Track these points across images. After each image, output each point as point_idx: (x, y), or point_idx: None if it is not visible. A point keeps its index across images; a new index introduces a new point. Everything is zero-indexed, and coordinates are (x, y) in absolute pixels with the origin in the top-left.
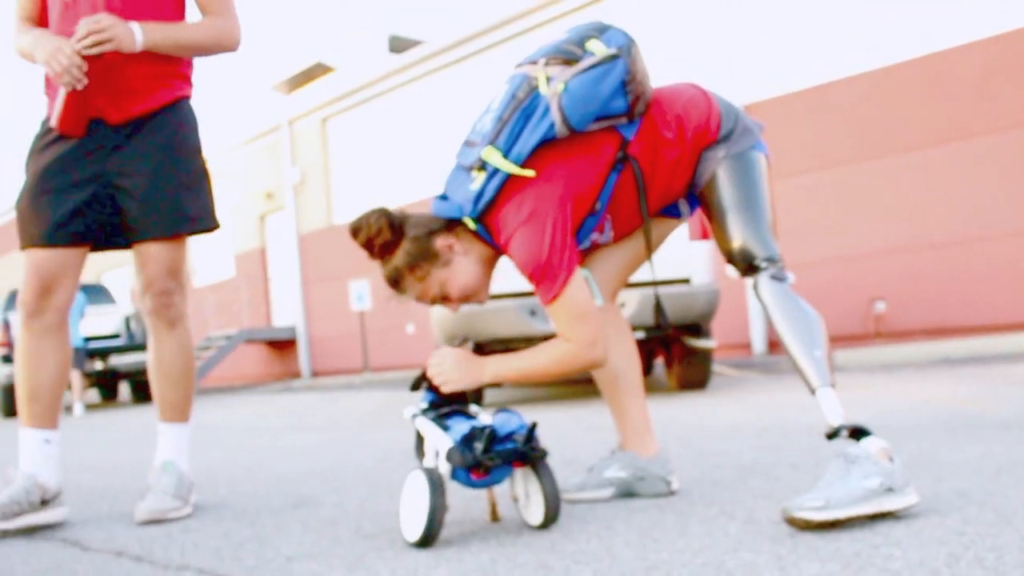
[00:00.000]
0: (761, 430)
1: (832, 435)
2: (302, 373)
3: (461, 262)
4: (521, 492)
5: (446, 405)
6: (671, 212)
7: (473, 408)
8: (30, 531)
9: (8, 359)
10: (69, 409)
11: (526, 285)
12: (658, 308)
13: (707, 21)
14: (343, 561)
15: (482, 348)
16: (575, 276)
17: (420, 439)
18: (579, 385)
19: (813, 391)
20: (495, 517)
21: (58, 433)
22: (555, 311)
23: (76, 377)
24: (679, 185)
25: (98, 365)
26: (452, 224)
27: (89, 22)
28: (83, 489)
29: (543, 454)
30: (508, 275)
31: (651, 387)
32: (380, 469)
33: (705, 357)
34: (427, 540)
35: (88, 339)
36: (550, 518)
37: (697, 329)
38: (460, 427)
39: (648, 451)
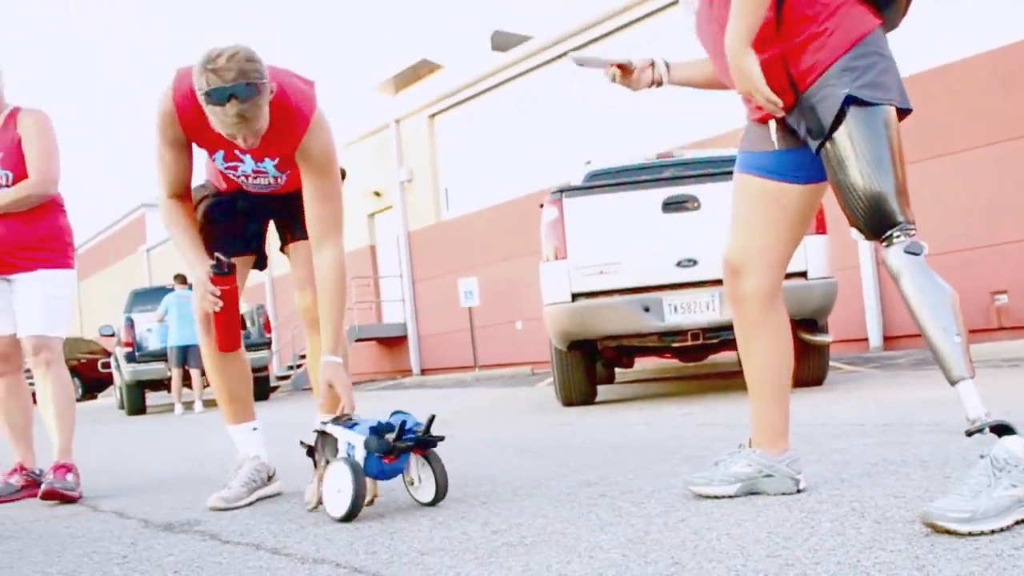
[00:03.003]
0: (884, 427)
1: (973, 432)
2: (412, 370)
3: None
4: (415, 477)
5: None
6: (813, 173)
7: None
8: (170, 526)
9: (131, 358)
10: (189, 406)
11: (639, 280)
12: None
13: None
14: (475, 556)
15: (596, 344)
16: None
17: (324, 439)
18: (691, 381)
19: (953, 382)
20: (372, 502)
21: (259, 421)
22: None
23: (196, 375)
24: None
25: None
26: None
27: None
28: (211, 482)
29: (439, 439)
30: (621, 271)
31: None
32: (500, 465)
33: (822, 352)
34: (351, 516)
35: None
36: (440, 496)
37: (814, 324)
38: (366, 424)
39: (777, 448)
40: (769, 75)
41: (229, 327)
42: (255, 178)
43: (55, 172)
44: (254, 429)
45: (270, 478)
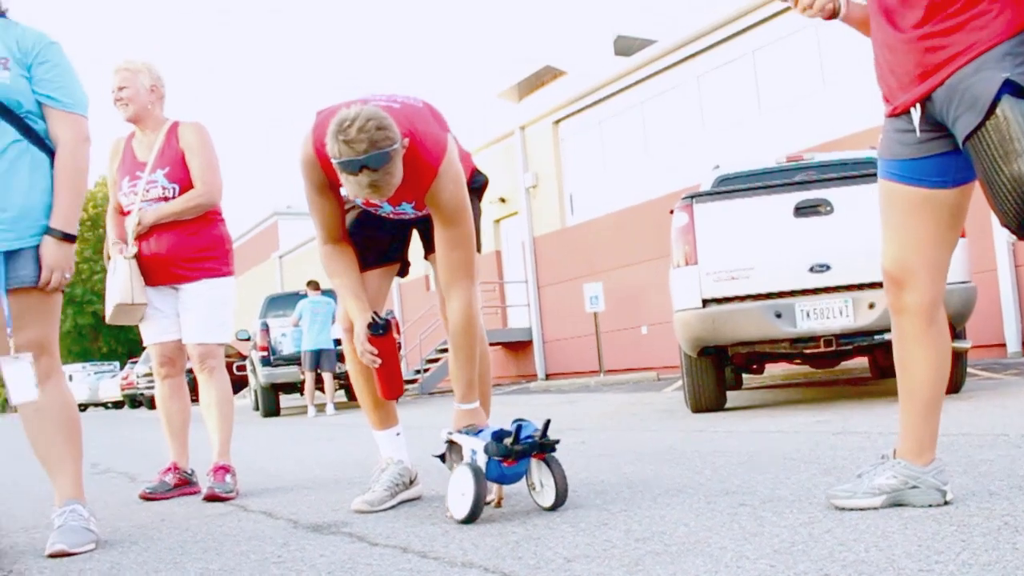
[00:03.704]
0: None
1: None
2: (537, 375)
3: None
4: (536, 481)
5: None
6: (960, 175)
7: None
8: (318, 527)
9: (266, 362)
10: (322, 408)
11: (771, 286)
12: None
13: None
14: (621, 563)
15: (727, 350)
16: None
17: (451, 448)
18: (822, 388)
19: None
20: (499, 504)
21: (401, 426)
22: None
23: (328, 379)
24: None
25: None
26: None
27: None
28: (352, 484)
29: (555, 444)
30: (753, 276)
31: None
32: (636, 472)
33: (960, 359)
34: (472, 518)
35: (337, 341)
36: (559, 502)
37: (952, 330)
38: (489, 431)
39: (923, 460)
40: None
41: (390, 378)
42: (396, 215)
43: (219, 182)
44: (397, 434)
45: (411, 482)
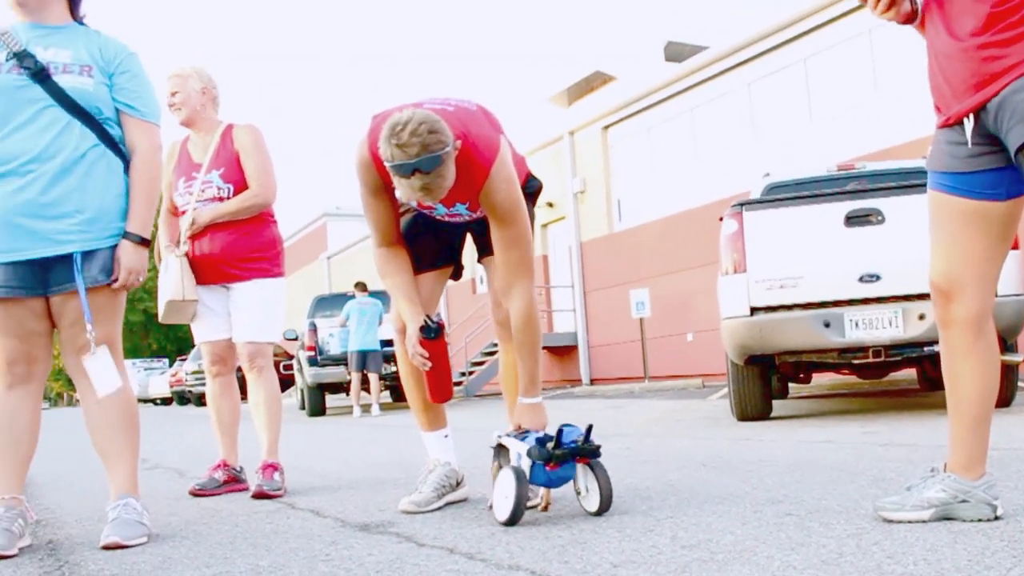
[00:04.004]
0: None
1: None
2: (582, 379)
3: None
4: (582, 487)
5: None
6: (1013, 188)
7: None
8: (366, 526)
9: (313, 362)
10: (367, 408)
11: (820, 295)
12: None
13: None
14: (668, 570)
15: (774, 359)
16: None
17: (500, 451)
18: (869, 398)
19: None
20: (546, 508)
21: (449, 428)
22: None
23: (374, 379)
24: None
25: (393, 368)
26: None
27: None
28: (397, 485)
29: (597, 448)
30: (801, 285)
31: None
32: (682, 478)
33: (1011, 373)
34: (514, 520)
35: (384, 343)
36: (604, 507)
37: (1002, 343)
38: (535, 435)
39: (974, 474)
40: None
41: (440, 381)
42: (450, 217)
43: (274, 184)
44: (445, 436)
45: (458, 484)
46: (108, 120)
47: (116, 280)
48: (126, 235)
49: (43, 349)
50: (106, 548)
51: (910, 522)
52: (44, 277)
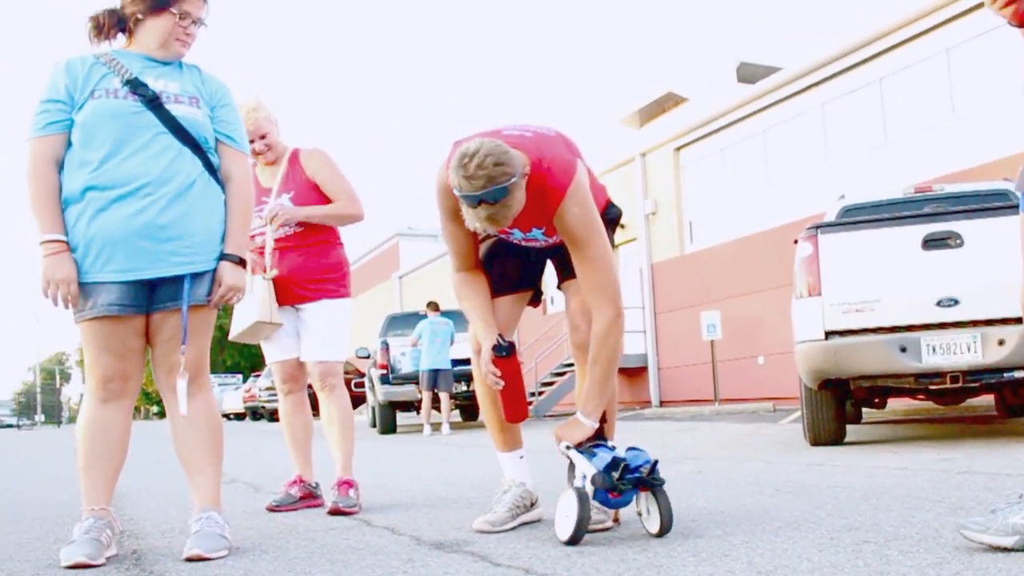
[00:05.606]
0: None
1: None
2: (651, 401)
3: None
4: (644, 509)
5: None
6: None
7: (611, 442)
8: (441, 544)
9: (385, 380)
10: (437, 427)
11: (897, 320)
12: None
13: None
14: None
15: (848, 383)
16: None
17: (572, 466)
18: (945, 424)
19: None
20: (616, 519)
21: (524, 449)
22: None
23: (444, 398)
24: None
25: (463, 387)
26: None
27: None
28: (471, 504)
29: (661, 482)
30: (878, 309)
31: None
32: (756, 503)
33: None
34: (574, 541)
35: (455, 362)
36: (664, 530)
37: None
38: (604, 456)
39: None
40: None
41: (514, 401)
42: (527, 242)
43: (361, 201)
44: (521, 457)
45: (532, 504)
46: (211, 149)
47: (212, 299)
48: (225, 256)
49: (137, 366)
50: (189, 560)
51: (992, 547)
52: (150, 296)
